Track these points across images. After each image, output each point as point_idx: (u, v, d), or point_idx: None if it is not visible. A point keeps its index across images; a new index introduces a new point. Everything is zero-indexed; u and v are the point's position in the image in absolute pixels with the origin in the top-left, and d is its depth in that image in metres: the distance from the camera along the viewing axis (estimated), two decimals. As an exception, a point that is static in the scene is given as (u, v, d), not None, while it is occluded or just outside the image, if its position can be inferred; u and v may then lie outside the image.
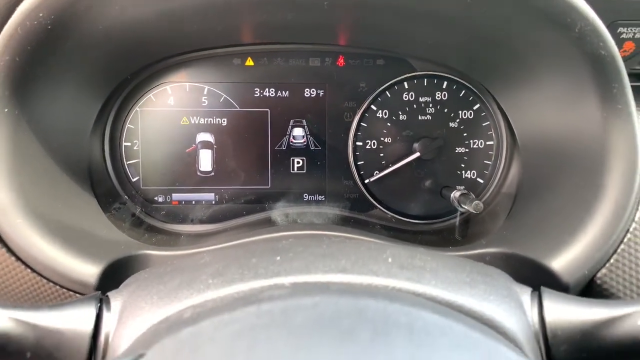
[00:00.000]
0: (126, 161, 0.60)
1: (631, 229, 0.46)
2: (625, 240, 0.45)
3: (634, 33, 0.48)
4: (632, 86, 0.44)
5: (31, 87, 0.46)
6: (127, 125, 0.59)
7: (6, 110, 0.44)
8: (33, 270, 0.43)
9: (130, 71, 0.56)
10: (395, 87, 0.60)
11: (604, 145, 0.45)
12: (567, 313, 0.34)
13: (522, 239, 0.52)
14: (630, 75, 0.47)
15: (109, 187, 0.58)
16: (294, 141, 0.61)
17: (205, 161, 0.61)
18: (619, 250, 0.45)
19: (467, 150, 0.61)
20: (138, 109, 0.59)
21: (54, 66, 0.46)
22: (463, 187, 0.60)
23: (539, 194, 0.55)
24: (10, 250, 0.45)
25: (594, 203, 0.46)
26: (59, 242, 0.46)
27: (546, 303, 0.34)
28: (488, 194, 0.61)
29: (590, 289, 0.45)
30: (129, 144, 0.60)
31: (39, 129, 0.48)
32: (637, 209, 0.46)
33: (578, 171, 0.49)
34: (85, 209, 0.53)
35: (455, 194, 0.58)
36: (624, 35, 0.48)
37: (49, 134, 0.49)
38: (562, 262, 0.45)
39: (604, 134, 0.45)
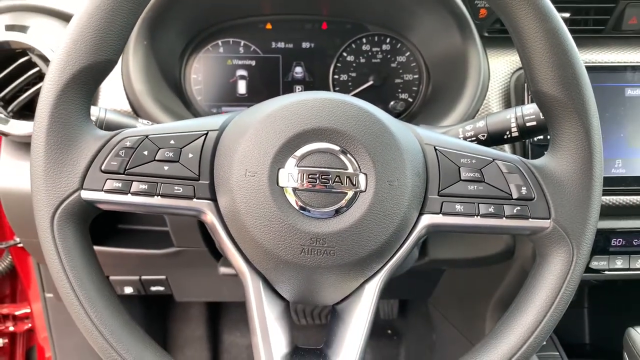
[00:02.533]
0: (193, 87, 0.97)
1: (480, 108, 0.85)
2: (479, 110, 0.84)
3: (484, 3, 0.87)
4: (487, 37, 0.84)
5: (155, 30, 0.85)
6: (194, 64, 0.97)
7: (145, 42, 0.83)
8: None
9: (201, 28, 0.94)
10: (357, 41, 0.97)
11: (465, 58, 0.85)
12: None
13: (427, 119, 0.91)
14: (490, 32, 0.87)
15: (184, 100, 0.96)
16: (296, 75, 0.98)
17: (242, 87, 0.98)
18: (475, 115, 0.85)
19: (402, 80, 1.00)
20: (201, 54, 0.97)
21: (168, 18, 0.85)
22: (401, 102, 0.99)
23: (440, 96, 0.94)
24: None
25: (463, 90, 0.85)
26: (172, 118, 0.84)
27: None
28: (415, 107, 0.99)
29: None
30: (195, 76, 0.97)
31: (156, 54, 0.86)
32: (485, 95, 0.85)
33: (455, 76, 0.88)
34: (177, 108, 0.90)
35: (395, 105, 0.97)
36: (479, 5, 0.87)
37: (160, 59, 0.88)
38: (448, 121, 0.84)
39: (465, 52, 0.85)
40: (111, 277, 1.07)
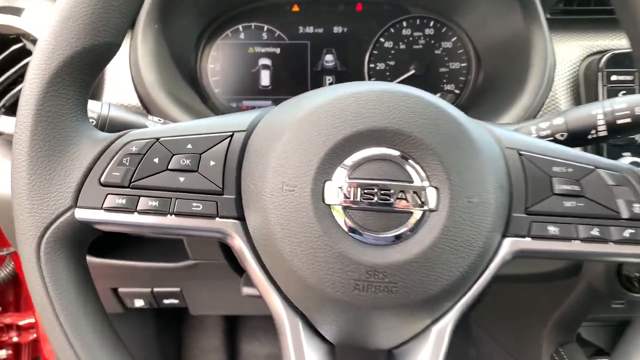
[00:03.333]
0: (211, 78, 0.86)
1: (546, 102, 0.73)
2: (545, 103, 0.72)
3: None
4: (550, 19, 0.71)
5: (168, 12, 0.73)
6: (212, 52, 0.86)
7: (156, 26, 0.71)
8: None
9: (220, 11, 0.83)
10: (397, 25, 0.86)
11: (527, 43, 0.72)
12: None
13: (479, 114, 0.79)
14: (553, 14, 0.75)
15: (201, 93, 0.85)
16: (326, 64, 0.87)
17: (265, 79, 0.87)
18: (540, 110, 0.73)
19: (447, 69, 0.88)
20: (220, 41, 0.86)
21: (182, 2, 0.74)
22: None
23: (494, 88, 0.82)
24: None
25: (525, 81, 0.73)
26: (188, 114, 0.73)
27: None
28: (463, 100, 0.87)
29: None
30: (212, 66, 0.86)
31: (169, 40, 0.75)
32: (550, 86, 0.73)
33: (514, 64, 0.76)
34: (193, 102, 0.80)
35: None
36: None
37: (173, 45, 0.76)
38: (507, 118, 0.72)
39: (527, 36, 0.72)
40: (120, 289, 0.97)
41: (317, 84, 0.86)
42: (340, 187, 0.41)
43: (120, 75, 0.74)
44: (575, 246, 0.44)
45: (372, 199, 0.41)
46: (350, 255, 0.41)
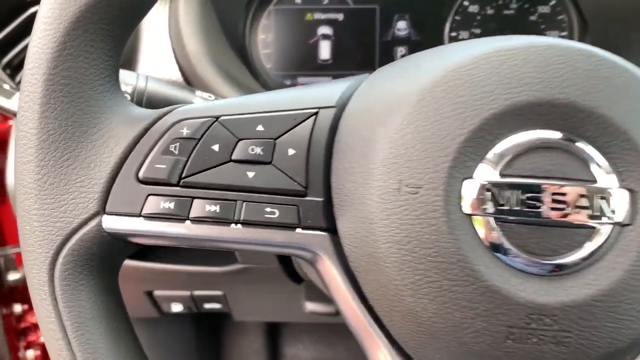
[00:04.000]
0: (262, 50, 0.73)
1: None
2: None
3: None
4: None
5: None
6: (263, 20, 0.73)
7: None
8: None
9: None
10: (484, -14, 0.72)
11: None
12: None
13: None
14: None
15: (250, 69, 0.72)
16: (398, 33, 0.73)
17: (325, 51, 0.74)
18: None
19: (544, 40, 0.73)
20: (272, 7, 0.73)
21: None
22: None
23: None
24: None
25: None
26: (241, 93, 0.60)
27: None
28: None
29: None
30: (263, 36, 0.73)
31: (216, 4, 0.62)
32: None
33: (633, 35, 0.61)
34: (244, 78, 0.67)
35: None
36: None
37: (221, 11, 0.64)
38: None
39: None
40: (155, 293, 0.86)
41: (387, 57, 0.73)
42: (487, 189, 0.28)
43: (158, 45, 0.62)
44: None
45: (536, 207, 0.28)
46: (502, 290, 0.28)
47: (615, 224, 0.28)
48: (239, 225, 0.31)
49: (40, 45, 0.30)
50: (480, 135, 0.28)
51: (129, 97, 0.44)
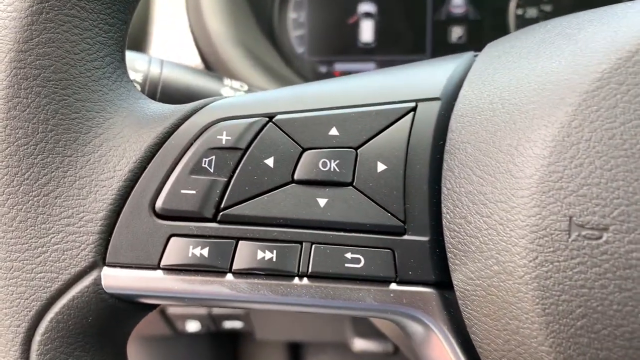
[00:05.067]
0: (293, 32, 0.63)
1: None
2: None
3: None
4: None
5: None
6: (295, -3, 0.63)
7: None
8: None
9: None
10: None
11: None
12: None
13: None
14: None
15: (281, 53, 0.61)
16: (454, 10, 0.63)
17: (367, 32, 0.63)
18: None
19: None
20: (305, -20, 0.62)
21: None
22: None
23: None
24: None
25: None
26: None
27: None
28: None
29: None
30: (295, 16, 0.63)
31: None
32: None
33: None
34: (274, 63, 0.56)
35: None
36: None
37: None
38: None
39: None
40: (169, 310, 0.76)
41: (441, 39, 0.62)
42: None
43: (173, 24, 0.52)
44: None
45: None
46: None
47: None
48: (306, 280, 0.21)
49: (3, 8, 0.19)
50: None
51: (139, 88, 0.34)
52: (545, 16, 0.61)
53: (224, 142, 0.21)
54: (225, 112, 0.22)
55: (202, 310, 0.81)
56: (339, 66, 0.63)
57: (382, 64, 0.62)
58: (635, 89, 0.18)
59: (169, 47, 0.51)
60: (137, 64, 0.34)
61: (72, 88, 0.20)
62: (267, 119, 0.21)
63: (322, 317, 0.75)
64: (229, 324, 0.82)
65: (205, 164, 0.21)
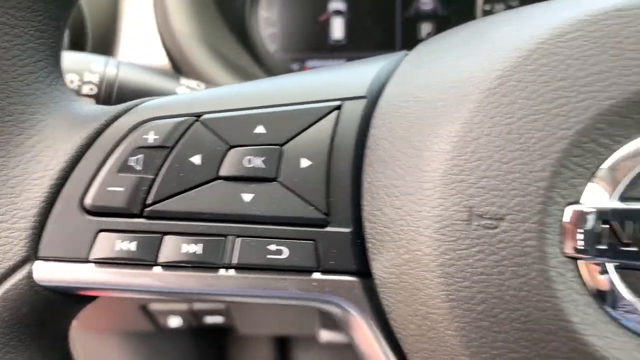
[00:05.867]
0: (265, 30, 0.64)
1: None
2: None
3: None
4: None
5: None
6: (266, -5, 0.63)
7: None
8: None
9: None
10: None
11: None
12: None
13: None
14: None
15: (252, 52, 0.62)
16: (422, 7, 0.64)
17: (337, 29, 0.64)
18: None
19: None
20: (276, -22, 0.63)
21: None
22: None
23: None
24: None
25: None
26: (229, 70, 0.51)
27: None
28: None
29: None
30: (267, 14, 0.64)
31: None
32: None
33: None
34: (244, 63, 0.57)
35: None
36: None
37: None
38: None
39: None
40: (151, 306, 0.77)
41: (411, 35, 0.63)
42: (603, 220, 0.19)
43: (142, 24, 0.52)
44: None
45: None
46: None
47: None
48: (232, 271, 0.22)
49: None
50: (593, 139, 0.19)
51: (94, 92, 0.35)
52: (512, 11, 0.62)
53: (151, 141, 0.22)
54: (154, 112, 0.23)
55: (183, 306, 0.81)
56: (310, 63, 0.64)
57: (353, 60, 0.63)
58: (533, 86, 0.19)
59: (137, 46, 0.52)
60: (93, 66, 0.35)
61: (4, 92, 0.21)
62: (194, 118, 0.22)
63: (293, 310, 0.77)
64: (210, 319, 0.83)
65: (132, 163, 0.22)
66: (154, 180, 0.22)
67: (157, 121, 0.22)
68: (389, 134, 0.22)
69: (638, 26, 0.19)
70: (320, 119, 0.23)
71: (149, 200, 0.22)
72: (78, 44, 0.49)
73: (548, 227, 0.19)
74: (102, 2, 0.51)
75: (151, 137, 0.22)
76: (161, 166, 0.22)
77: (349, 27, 0.63)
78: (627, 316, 0.19)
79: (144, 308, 0.80)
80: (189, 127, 0.22)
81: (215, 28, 0.53)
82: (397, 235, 0.21)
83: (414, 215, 0.20)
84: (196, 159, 0.22)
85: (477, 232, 0.19)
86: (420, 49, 0.26)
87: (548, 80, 0.19)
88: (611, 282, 0.19)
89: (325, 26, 0.63)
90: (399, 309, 0.21)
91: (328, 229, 0.22)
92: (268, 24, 0.62)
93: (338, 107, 0.23)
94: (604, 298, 0.19)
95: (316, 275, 0.22)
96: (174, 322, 0.84)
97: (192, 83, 0.38)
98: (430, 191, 0.20)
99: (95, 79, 0.35)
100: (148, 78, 0.36)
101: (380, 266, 0.22)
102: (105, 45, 0.52)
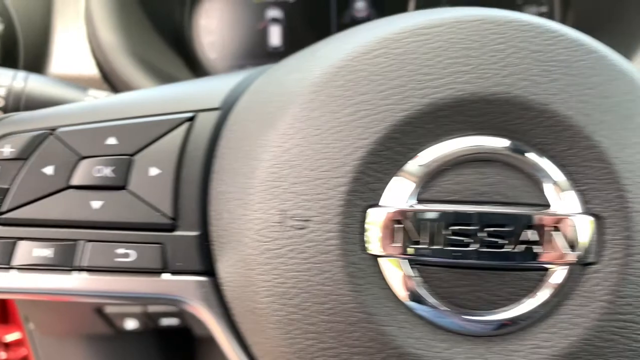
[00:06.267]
0: (204, 39, 0.65)
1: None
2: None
3: None
4: None
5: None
6: (205, 4, 0.65)
7: None
8: None
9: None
10: (451, -42, 0.64)
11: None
12: None
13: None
14: None
15: (190, 60, 0.64)
16: (357, 13, 0.65)
17: (275, 37, 0.66)
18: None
19: (521, 17, 0.65)
20: (214, -12, 0.65)
21: None
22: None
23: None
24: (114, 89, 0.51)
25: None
26: (160, 81, 0.53)
27: None
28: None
29: None
30: (206, 22, 0.65)
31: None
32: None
33: (625, 12, 0.53)
34: (178, 72, 0.59)
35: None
36: None
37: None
38: None
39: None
40: (106, 309, 0.78)
41: (345, 41, 0.64)
42: (398, 220, 0.20)
43: (74, 36, 0.54)
44: None
45: (465, 245, 0.20)
46: (424, 357, 0.20)
47: (575, 263, 0.20)
48: (84, 274, 0.23)
49: None
50: (389, 147, 0.21)
51: (2, 102, 0.36)
52: (444, 17, 0.64)
53: (7, 154, 0.24)
54: (12, 127, 0.24)
55: (137, 309, 0.82)
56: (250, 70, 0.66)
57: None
58: (339, 100, 0.21)
59: (71, 59, 0.54)
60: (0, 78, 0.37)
61: None
62: (49, 131, 0.24)
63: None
64: (166, 321, 0.84)
65: None
66: (7, 190, 0.23)
67: (14, 135, 0.24)
68: (231, 143, 0.24)
69: (435, 43, 0.21)
70: (173, 129, 0.25)
71: (3, 209, 0.23)
72: (9, 59, 0.50)
73: (349, 228, 0.20)
74: (34, 16, 0.53)
75: (7, 150, 0.24)
76: (15, 177, 0.23)
77: (286, 35, 0.64)
78: (423, 307, 0.20)
79: (99, 311, 0.81)
80: (43, 140, 0.24)
81: (145, 39, 0.54)
82: (231, 237, 0.23)
83: (242, 219, 0.22)
84: (49, 170, 0.24)
85: (289, 232, 0.21)
86: (282, 62, 0.28)
87: (352, 94, 0.21)
88: (407, 277, 0.20)
89: (263, 34, 0.65)
90: (237, 306, 0.23)
91: (176, 233, 0.24)
92: (207, 32, 0.64)
93: (191, 119, 0.25)
94: (402, 292, 0.20)
95: (165, 277, 0.24)
96: (130, 324, 0.85)
97: (101, 94, 0.40)
98: (252, 196, 0.22)
99: (2, 91, 0.36)
100: (55, 90, 0.38)
101: (222, 266, 0.23)
102: (39, 58, 0.53)
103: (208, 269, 0.24)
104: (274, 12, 0.64)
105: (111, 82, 0.51)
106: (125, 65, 0.50)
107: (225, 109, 0.25)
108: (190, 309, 0.25)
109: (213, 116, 0.25)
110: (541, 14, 0.63)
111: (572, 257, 0.20)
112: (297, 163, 0.21)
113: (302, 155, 0.21)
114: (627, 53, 0.48)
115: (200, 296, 0.24)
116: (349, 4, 0.64)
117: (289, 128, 0.21)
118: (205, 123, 0.25)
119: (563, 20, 0.63)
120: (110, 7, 0.50)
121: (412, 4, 0.64)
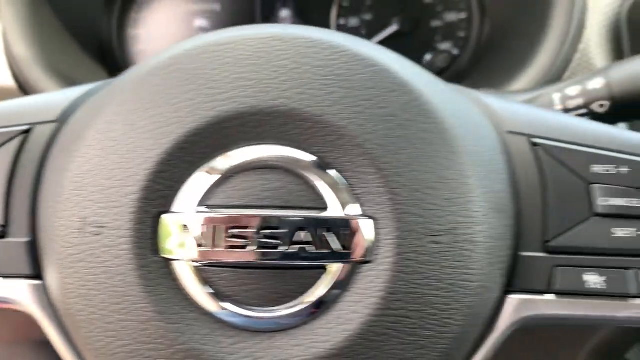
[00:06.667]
0: (133, 48, 0.67)
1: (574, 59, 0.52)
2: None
3: None
4: None
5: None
6: (132, 14, 0.66)
7: None
8: None
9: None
10: (372, -35, 0.66)
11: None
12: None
13: (483, 80, 0.58)
14: None
15: (117, 71, 0.65)
16: (281, 23, 0.67)
17: (203, 46, 0.68)
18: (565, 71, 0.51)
19: (442, 23, 0.67)
20: (141, -2, 0.66)
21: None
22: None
23: (503, 45, 0.60)
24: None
25: (545, 32, 0.52)
26: None
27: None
28: (464, 62, 0.66)
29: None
30: (135, 31, 0.67)
31: (55, 4, 0.56)
32: (580, 38, 0.52)
33: (530, 11, 0.55)
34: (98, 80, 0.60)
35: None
36: None
37: (66, 9, 0.57)
38: (520, 84, 0.51)
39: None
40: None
41: (271, 49, 0.66)
42: (186, 225, 0.22)
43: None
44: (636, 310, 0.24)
45: (242, 247, 0.22)
46: (206, 354, 0.22)
47: (351, 262, 0.22)
48: None
49: None
50: (179, 157, 0.22)
51: None
52: (367, 25, 0.66)
53: None
54: None
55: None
56: (180, 78, 0.67)
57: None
58: (137, 112, 0.23)
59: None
60: None
61: None
62: None
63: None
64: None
65: None
66: None
67: None
68: (55, 154, 0.25)
69: (224, 59, 0.23)
70: (8, 141, 0.26)
71: None
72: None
73: (140, 233, 0.22)
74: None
75: None
76: None
77: (214, 43, 0.66)
78: (210, 306, 0.22)
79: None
80: None
81: (63, 50, 0.56)
82: (47, 243, 0.24)
83: (53, 225, 0.24)
84: None
85: (88, 238, 0.22)
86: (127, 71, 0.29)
87: (148, 107, 0.23)
88: (195, 279, 0.22)
89: (192, 42, 0.66)
90: (58, 308, 0.25)
91: (7, 239, 0.25)
92: (136, 42, 0.66)
93: (27, 131, 0.26)
94: (190, 292, 0.22)
95: None
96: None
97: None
98: (59, 204, 0.23)
99: None
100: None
101: (46, 270, 0.25)
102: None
103: (36, 274, 0.25)
104: (201, 22, 0.66)
105: (27, 93, 0.53)
106: (41, 79, 0.51)
107: (61, 122, 0.27)
108: (27, 311, 0.26)
109: (49, 129, 0.26)
110: (460, 20, 0.64)
111: (347, 256, 0.22)
112: (96, 173, 0.22)
113: (100, 166, 0.22)
114: (519, 70, 0.50)
115: (32, 299, 0.25)
116: (274, 13, 0.66)
117: (92, 139, 0.23)
118: (40, 135, 0.26)
119: (481, 25, 0.65)
120: (23, 21, 0.52)
121: (334, 13, 0.65)
